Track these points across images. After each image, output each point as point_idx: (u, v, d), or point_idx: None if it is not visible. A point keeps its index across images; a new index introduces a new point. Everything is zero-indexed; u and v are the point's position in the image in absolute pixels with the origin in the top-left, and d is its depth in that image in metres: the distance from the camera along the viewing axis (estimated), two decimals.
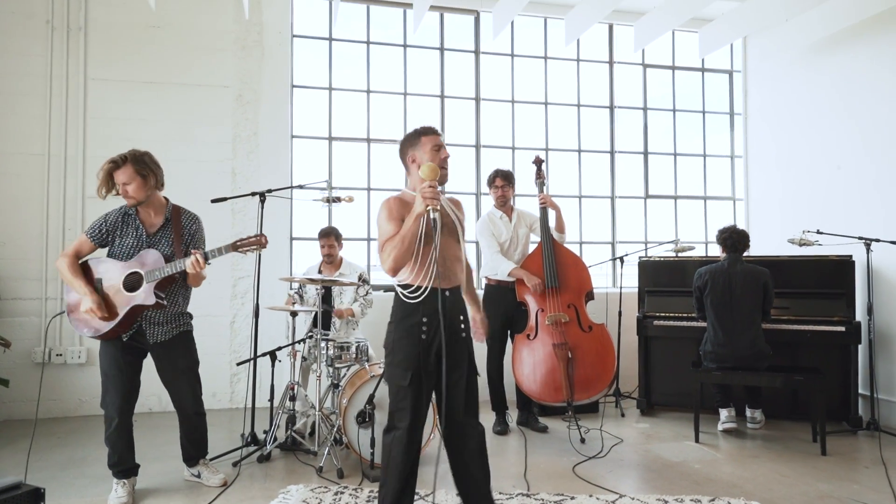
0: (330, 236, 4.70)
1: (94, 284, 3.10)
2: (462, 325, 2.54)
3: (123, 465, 3.21)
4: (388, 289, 5.68)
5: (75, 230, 4.92)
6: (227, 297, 5.29)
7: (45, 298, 4.90)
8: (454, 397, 2.48)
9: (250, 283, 5.15)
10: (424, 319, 2.41)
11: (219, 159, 5.27)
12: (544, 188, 4.60)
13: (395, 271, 2.39)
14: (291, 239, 5.56)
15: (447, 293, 2.43)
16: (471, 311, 2.73)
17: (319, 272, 4.76)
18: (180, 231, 3.23)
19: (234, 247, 3.11)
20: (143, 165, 3.14)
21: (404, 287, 2.46)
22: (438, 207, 2.27)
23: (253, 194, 4.10)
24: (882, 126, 4.87)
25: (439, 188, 2.43)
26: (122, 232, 3.17)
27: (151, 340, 3.21)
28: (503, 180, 4.58)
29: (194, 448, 3.47)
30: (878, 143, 4.91)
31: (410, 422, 2.42)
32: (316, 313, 4.65)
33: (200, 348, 5.12)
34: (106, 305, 3.07)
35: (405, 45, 5.92)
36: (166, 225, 3.23)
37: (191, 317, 3.44)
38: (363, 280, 4.81)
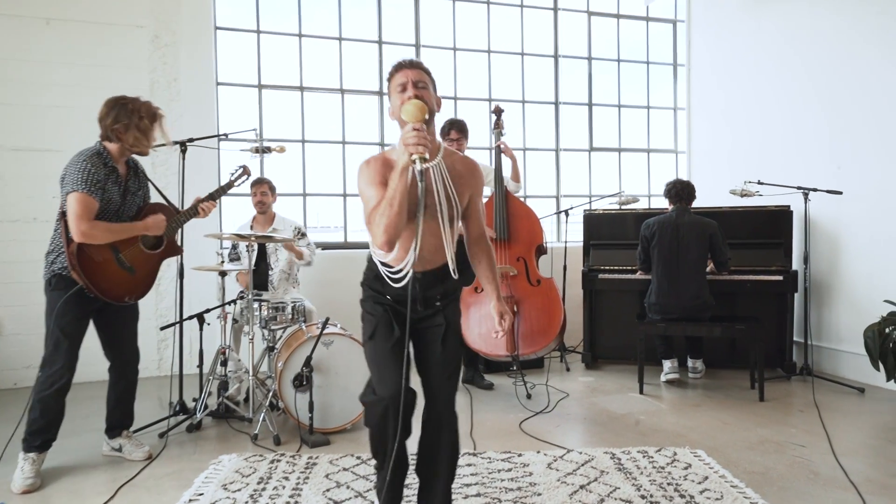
0: (263, 184, 4.42)
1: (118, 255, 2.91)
2: (438, 304, 2.13)
3: (47, 433, 2.90)
4: (325, 246, 5.42)
5: None
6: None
7: None
8: (431, 380, 2.17)
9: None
10: (388, 298, 2.10)
11: None
12: (502, 137, 4.43)
13: (390, 244, 1.93)
14: None
15: (419, 276, 2.06)
16: (490, 295, 2.24)
17: (251, 229, 4.45)
18: (142, 177, 3.11)
19: (231, 184, 3.33)
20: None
21: (384, 265, 2.09)
22: (427, 155, 1.82)
23: (175, 143, 3.72)
24: (826, 72, 4.86)
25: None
26: (108, 185, 2.86)
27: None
28: (458, 132, 4.33)
29: (123, 415, 3.19)
30: (822, 91, 4.91)
31: (376, 380, 2.08)
32: (250, 271, 4.40)
33: None
34: (136, 275, 2.97)
35: None
36: (132, 174, 3.02)
37: None
38: (301, 233, 4.54)
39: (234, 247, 4.42)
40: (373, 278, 2.16)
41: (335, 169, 5.57)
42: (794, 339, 4.72)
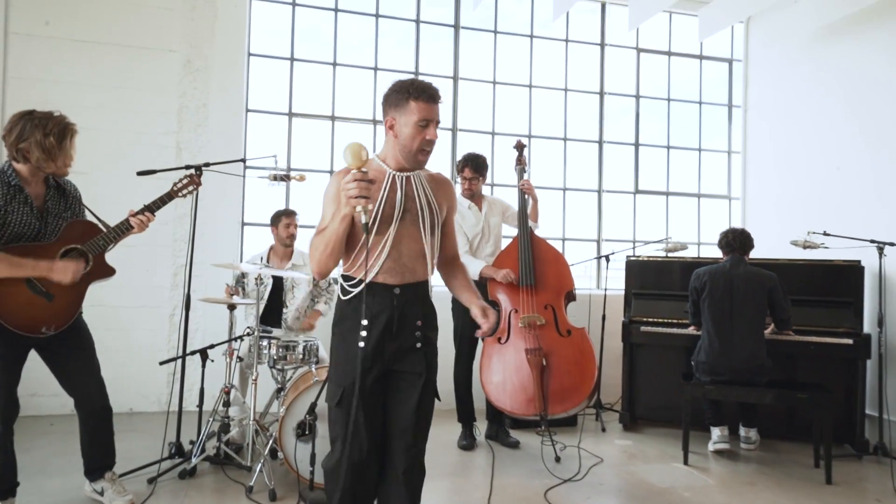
0: (292, 215, 4.22)
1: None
2: (418, 333, 1.99)
3: (2, 483, 2.64)
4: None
5: None
6: (167, 286, 4.73)
7: None
8: (394, 441, 1.99)
9: (196, 269, 4.56)
10: (364, 322, 1.89)
11: (162, 132, 4.70)
12: (525, 175, 4.11)
13: (321, 275, 1.96)
14: (243, 224, 5.00)
15: (397, 290, 1.94)
16: (469, 303, 2.12)
17: (268, 262, 4.22)
18: (70, 198, 2.79)
19: (172, 193, 2.98)
20: None
21: (346, 280, 1.99)
22: (370, 207, 1.78)
23: (187, 167, 3.53)
24: (888, 123, 4.42)
25: (391, 176, 1.96)
26: (11, 207, 2.54)
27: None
28: (472, 171, 4.04)
29: (100, 453, 2.89)
30: (883, 140, 4.46)
31: (343, 456, 1.90)
32: (261, 307, 4.15)
33: (134, 342, 4.63)
34: (56, 301, 2.61)
35: (377, 16, 5.38)
36: (52, 193, 2.69)
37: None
38: None
39: (244, 275, 4.17)
40: (341, 316, 2.01)
41: None
42: (867, 412, 4.16)
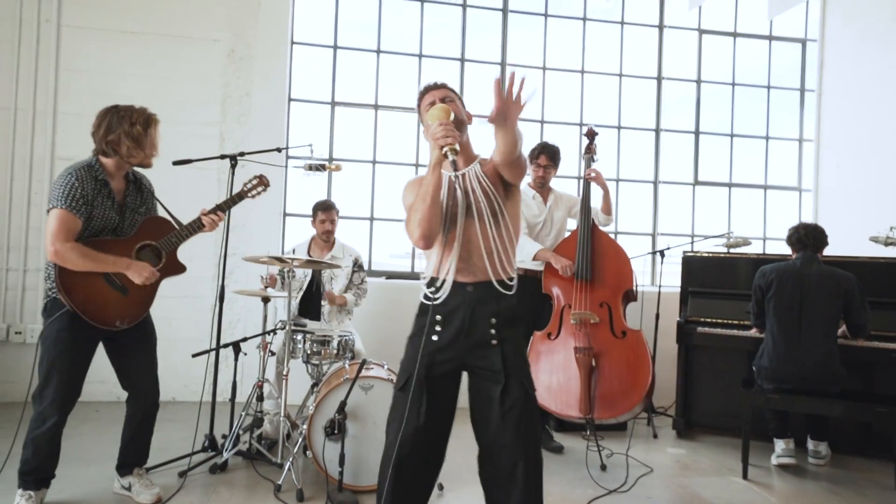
0: (331, 210, 4.11)
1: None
2: (493, 331, 1.96)
3: (42, 472, 2.65)
4: (390, 275, 5.03)
5: (42, 194, 4.42)
6: (209, 276, 4.72)
7: (7, 269, 4.42)
8: (485, 429, 1.98)
9: (237, 261, 4.55)
10: (438, 318, 1.98)
11: (205, 122, 4.69)
12: (593, 164, 3.89)
13: (426, 238, 1.92)
14: (285, 215, 4.95)
15: (469, 288, 1.97)
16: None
17: (308, 253, 4.14)
18: (146, 192, 2.84)
19: (242, 194, 3.04)
20: None
21: (428, 285, 2.04)
22: (458, 147, 1.82)
23: (223, 157, 3.49)
24: None
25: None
26: (97, 202, 2.59)
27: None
28: (548, 159, 3.90)
29: (136, 452, 2.90)
30: None
31: (395, 439, 1.91)
32: (300, 298, 4.08)
33: (179, 332, 4.63)
34: (130, 295, 2.65)
35: (422, 0, 5.21)
36: (131, 189, 2.75)
37: None
38: (359, 265, 4.18)
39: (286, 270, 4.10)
40: (420, 311, 2.06)
41: None
42: None
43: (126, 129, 2.57)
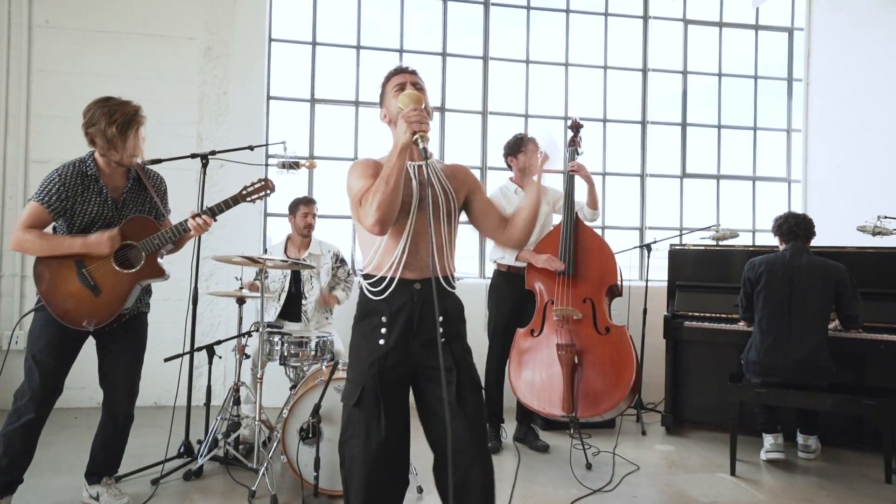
0: (312, 204, 4.05)
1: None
2: (441, 329, 1.82)
3: (11, 474, 2.57)
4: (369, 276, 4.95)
5: (17, 198, 4.34)
6: (190, 279, 4.63)
7: None
8: (439, 431, 1.85)
9: (218, 263, 4.47)
10: (384, 319, 1.85)
11: (183, 122, 4.61)
12: (577, 157, 3.81)
13: (382, 224, 1.77)
14: (266, 215, 4.88)
15: (417, 286, 1.86)
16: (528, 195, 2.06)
17: (286, 252, 4.07)
18: (154, 192, 2.74)
19: (241, 196, 2.77)
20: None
21: (367, 278, 1.92)
22: (429, 137, 1.76)
23: (193, 156, 3.41)
24: None
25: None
26: (82, 197, 2.54)
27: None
28: (536, 145, 3.82)
29: (106, 461, 2.82)
30: None
31: (360, 459, 1.81)
32: (281, 300, 4.01)
33: (157, 336, 4.44)
34: (101, 296, 2.54)
35: None
36: (135, 187, 2.69)
37: (150, 295, 2.90)
38: (340, 260, 4.11)
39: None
40: (363, 313, 1.93)
41: None
42: None
43: (102, 127, 2.49)
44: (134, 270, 2.60)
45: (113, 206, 2.61)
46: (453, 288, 1.96)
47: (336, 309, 4.17)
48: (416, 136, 1.72)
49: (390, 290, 1.84)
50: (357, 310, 1.95)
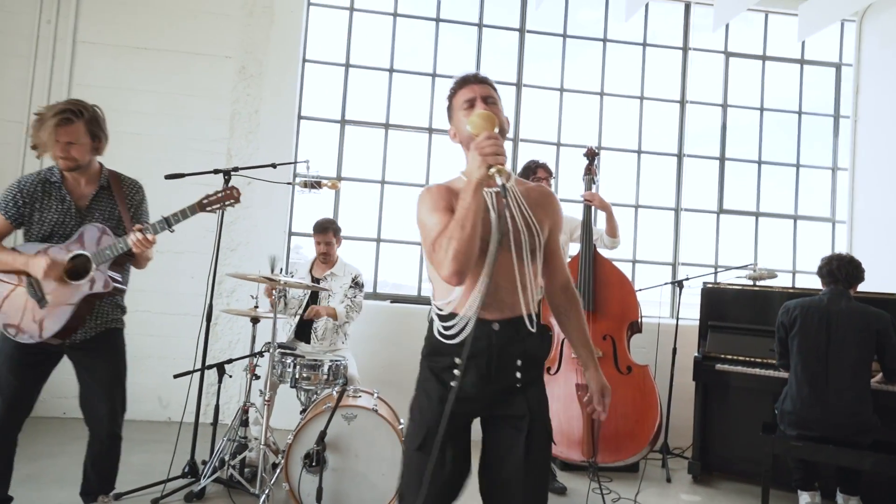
0: (327, 232, 3.96)
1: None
2: (518, 374, 1.68)
3: None
4: (395, 299, 4.87)
5: None
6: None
7: None
8: (499, 480, 1.69)
9: (239, 280, 4.45)
10: (457, 361, 1.66)
11: (213, 138, 4.65)
12: (593, 186, 3.69)
13: (459, 275, 1.56)
14: (290, 234, 4.86)
15: (496, 326, 1.66)
16: (585, 363, 1.85)
17: (311, 272, 4.03)
18: (125, 201, 2.59)
19: (201, 206, 2.58)
20: (98, 125, 2.52)
21: (441, 318, 1.72)
22: (506, 168, 1.49)
23: (216, 171, 3.40)
24: None
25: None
26: (42, 204, 2.48)
27: (68, 340, 2.50)
28: (546, 172, 3.70)
29: (98, 480, 2.71)
30: None
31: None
32: (296, 320, 3.95)
33: (174, 350, 4.54)
34: (47, 308, 2.42)
35: (437, 20, 5.14)
36: (103, 195, 2.57)
37: (123, 311, 2.69)
38: (356, 283, 4.04)
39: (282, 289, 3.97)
40: (433, 349, 1.73)
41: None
42: None
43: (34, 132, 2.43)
44: (81, 282, 2.45)
45: (77, 213, 2.51)
46: (536, 329, 1.73)
47: (356, 333, 4.09)
48: (492, 171, 1.49)
49: (465, 331, 1.65)
50: (426, 343, 1.79)
